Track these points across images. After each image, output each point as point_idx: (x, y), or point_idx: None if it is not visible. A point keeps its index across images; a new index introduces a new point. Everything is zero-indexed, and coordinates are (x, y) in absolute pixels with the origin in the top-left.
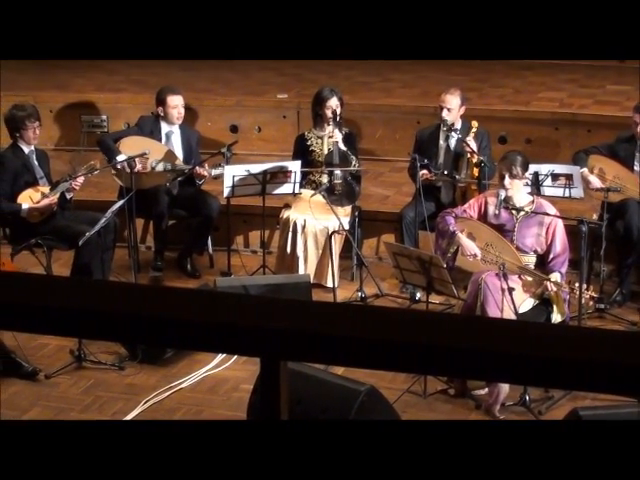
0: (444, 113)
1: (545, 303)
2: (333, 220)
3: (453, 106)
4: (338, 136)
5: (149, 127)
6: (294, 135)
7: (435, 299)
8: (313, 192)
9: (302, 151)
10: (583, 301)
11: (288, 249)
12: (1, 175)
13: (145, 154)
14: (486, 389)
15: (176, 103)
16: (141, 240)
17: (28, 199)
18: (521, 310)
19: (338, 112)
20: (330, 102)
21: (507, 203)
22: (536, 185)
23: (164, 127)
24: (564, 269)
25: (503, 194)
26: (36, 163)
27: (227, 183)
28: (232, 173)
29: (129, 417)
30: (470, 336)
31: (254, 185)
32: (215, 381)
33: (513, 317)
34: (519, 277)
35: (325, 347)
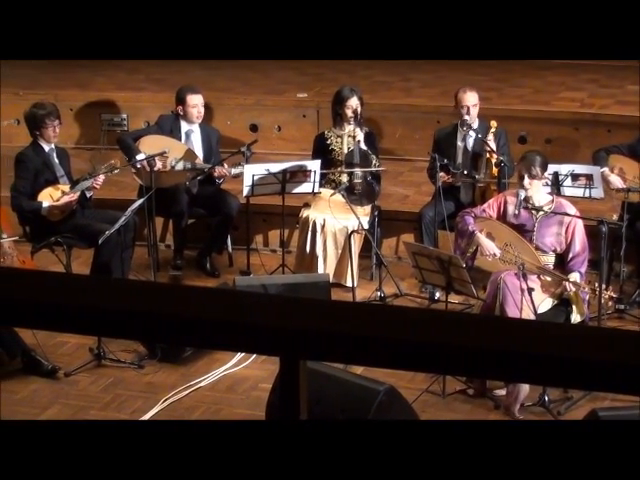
0: (470, 112)
1: (564, 303)
2: (352, 219)
3: (475, 102)
4: (360, 135)
5: (169, 126)
6: (314, 134)
7: (454, 299)
8: (333, 191)
9: (322, 150)
10: (603, 301)
11: (307, 248)
12: (22, 173)
13: (165, 153)
14: (505, 389)
15: (196, 102)
16: (161, 239)
17: (48, 197)
18: (540, 310)
19: (359, 111)
20: (350, 101)
21: (527, 203)
22: (556, 185)
23: (184, 126)
24: (583, 269)
25: (523, 194)
26: (57, 161)
27: (247, 182)
28: (252, 172)
29: (148, 415)
30: (489, 336)
31: (274, 184)
32: (234, 380)
33: (532, 317)
34: (538, 277)
35: (344, 346)
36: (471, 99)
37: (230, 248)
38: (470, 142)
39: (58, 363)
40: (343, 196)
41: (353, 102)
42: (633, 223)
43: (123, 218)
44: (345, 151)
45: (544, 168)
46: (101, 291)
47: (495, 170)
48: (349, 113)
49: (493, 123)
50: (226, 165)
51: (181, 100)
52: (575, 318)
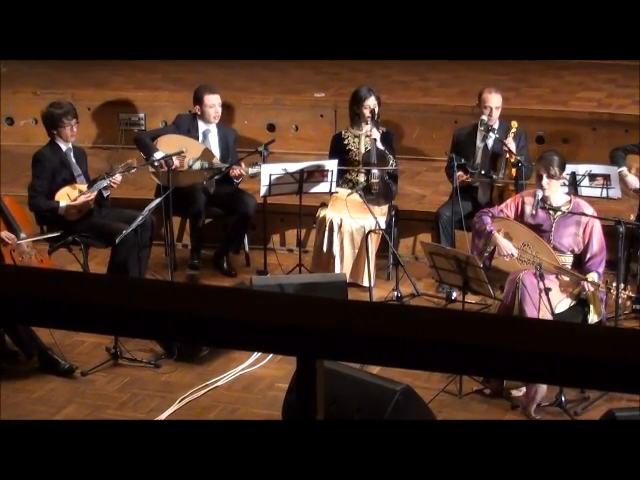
0: (492, 114)
1: (582, 303)
2: (369, 219)
3: (499, 104)
4: (376, 134)
5: (186, 125)
6: (331, 134)
7: (471, 299)
8: (350, 191)
9: (339, 150)
10: (620, 301)
11: (324, 248)
12: (39, 173)
13: (182, 152)
14: (523, 389)
15: (213, 102)
16: (178, 238)
17: (66, 197)
18: (557, 310)
19: (376, 111)
20: (368, 101)
21: (544, 203)
22: (573, 185)
23: (201, 126)
24: (601, 269)
25: (540, 194)
26: (74, 161)
27: (264, 182)
28: (269, 172)
29: (164, 415)
30: (506, 336)
31: (291, 184)
32: (250, 379)
33: (549, 317)
34: (556, 277)
35: (361, 346)
36: (495, 101)
37: (247, 248)
38: (490, 142)
39: (75, 362)
40: (360, 196)
41: (371, 102)
42: None
43: (140, 217)
44: (362, 151)
45: (562, 168)
46: (118, 290)
47: (513, 170)
48: (366, 113)
49: (514, 124)
50: (243, 165)
51: (199, 100)
52: (592, 318)
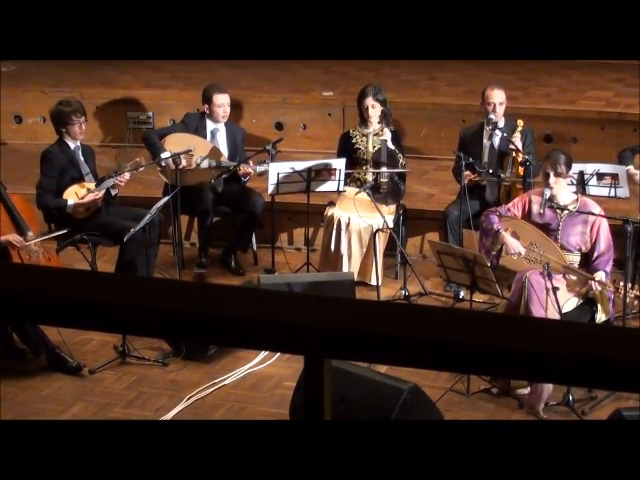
0: (496, 110)
1: (589, 302)
2: (377, 218)
3: (502, 100)
4: (387, 134)
5: (194, 124)
6: (339, 133)
7: (479, 298)
8: (358, 190)
9: (347, 149)
10: (628, 301)
11: (332, 247)
12: (47, 171)
13: (190, 151)
14: (529, 388)
15: (222, 102)
16: (185, 237)
17: (74, 195)
18: (565, 309)
19: (371, 110)
20: (365, 100)
21: (551, 202)
22: (581, 184)
23: (209, 124)
24: (609, 268)
25: (548, 193)
26: (82, 159)
27: (271, 180)
28: (277, 170)
29: (172, 413)
30: (513, 335)
31: (298, 182)
32: (258, 378)
33: (557, 316)
34: (563, 276)
35: (369, 345)
36: (498, 97)
37: (255, 246)
38: (496, 141)
39: (83, 360)
40: (368, 194)
41: (368, 101)
42: None
43: (148, 216)
44: (370, 150)
45: (569, 166)
46: (126, 289)
47: (521, 169)
48: (365, 112)
49: (520, 122)
50: (251, 163)
51: (207, 99)
52: (600, 317)
